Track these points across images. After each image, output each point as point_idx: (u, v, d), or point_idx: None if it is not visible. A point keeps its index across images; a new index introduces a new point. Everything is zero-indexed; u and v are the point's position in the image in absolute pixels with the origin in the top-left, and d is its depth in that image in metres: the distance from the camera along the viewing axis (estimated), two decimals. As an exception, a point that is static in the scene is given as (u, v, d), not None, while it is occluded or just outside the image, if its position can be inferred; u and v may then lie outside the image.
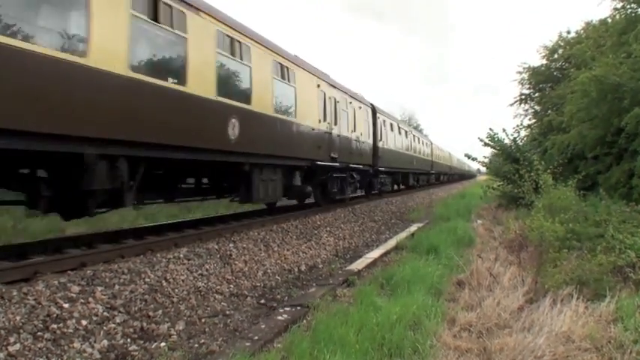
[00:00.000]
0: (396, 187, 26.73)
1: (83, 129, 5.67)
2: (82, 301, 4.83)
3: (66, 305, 4.64)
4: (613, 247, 6.74)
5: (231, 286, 6.77)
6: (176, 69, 7.36)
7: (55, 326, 4.33)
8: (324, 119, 13.73)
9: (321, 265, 8.90)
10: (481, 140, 17.27)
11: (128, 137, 6.35)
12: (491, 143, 16.94)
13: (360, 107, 17.73)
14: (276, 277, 7.74)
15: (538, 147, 17.90)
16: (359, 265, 8.29)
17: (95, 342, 4.38)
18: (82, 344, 4.28)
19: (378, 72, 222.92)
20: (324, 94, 13.93)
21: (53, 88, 5.25)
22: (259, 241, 8.84)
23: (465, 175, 72.17)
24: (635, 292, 5.84)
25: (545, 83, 24.98)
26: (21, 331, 4.12)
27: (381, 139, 19.99)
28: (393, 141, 22.86)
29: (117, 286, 5.37)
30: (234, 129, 8.69)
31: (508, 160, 16.11)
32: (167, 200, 9.17)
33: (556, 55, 24.23)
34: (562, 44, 23.68)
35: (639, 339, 4.35)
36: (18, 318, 4.23)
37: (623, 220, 8.22)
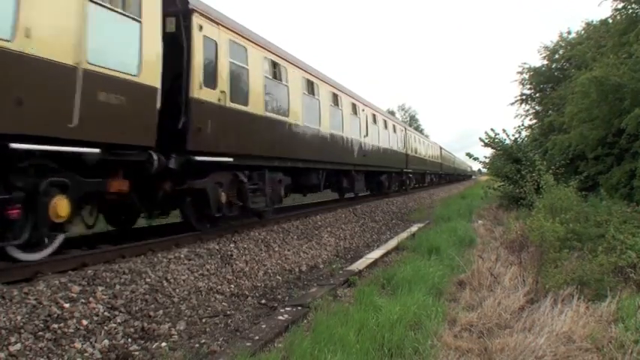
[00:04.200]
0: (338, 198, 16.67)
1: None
2: (83, 301, 4.83)
3: (67, 305, 4.65)
4: (614, 247, 6.74)
5: (232, 286, 6.77)
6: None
7: (55, 326, 4.33)
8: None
9: (321, 266, 8.90)
10: (482, 140, 17.29)
11: None
12: (492, 144, 16.94)
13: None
14: (277, 277, 7.74)
15: (539, 147, 17.89)
16: (360, 265, 8.29)
17: (96, 342, 4.38)
18: (82, 344, 4.29)
19: (377, 71, 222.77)
20: None
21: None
22: (260, 241, 8.84)
23: (460, 176, 64.49)
24: (636, 292, 5.85)
25: (546, 84, 25.00)
26: (22, 330, 4.12)
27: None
28: (298, 106, 11.68)
29: (118, 286, 5.38)
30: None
31: (509, 160, 16.11)
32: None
33: (557, 56, 24.25)
34: (563, 45, 23.71)
35: (640, 339, 4.35)
36: (19, 318, 4.23)
37: (623, 220, 8.23)
